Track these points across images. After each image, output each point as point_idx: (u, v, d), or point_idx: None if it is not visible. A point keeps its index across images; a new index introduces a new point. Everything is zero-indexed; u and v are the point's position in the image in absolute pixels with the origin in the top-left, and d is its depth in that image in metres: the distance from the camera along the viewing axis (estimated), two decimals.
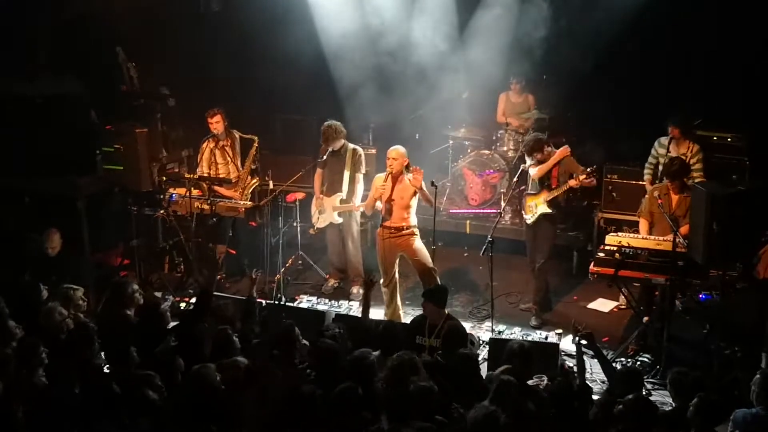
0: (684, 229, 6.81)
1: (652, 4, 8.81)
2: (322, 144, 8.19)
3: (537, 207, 7.69)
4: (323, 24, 9.43)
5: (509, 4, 9.27)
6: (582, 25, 8.85)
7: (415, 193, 7.33)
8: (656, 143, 8.10)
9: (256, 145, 8.58)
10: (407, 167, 7.34)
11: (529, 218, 7.80)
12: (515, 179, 7.72)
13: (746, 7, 8.82)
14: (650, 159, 8.18)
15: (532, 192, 7.81)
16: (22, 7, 8.83)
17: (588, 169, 7.46)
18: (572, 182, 7.52)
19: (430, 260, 7.46)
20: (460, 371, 5.33)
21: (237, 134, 8.63)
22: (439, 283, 7.29)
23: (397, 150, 7.33)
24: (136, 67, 9.35)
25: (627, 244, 6.92)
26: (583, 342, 5.89)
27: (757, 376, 5.04)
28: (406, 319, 7.52)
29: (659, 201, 7.02)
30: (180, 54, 10.13)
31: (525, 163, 7.95)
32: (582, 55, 8.97)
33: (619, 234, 7.45)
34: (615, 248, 6.90)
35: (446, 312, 6.46)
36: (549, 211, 7.64)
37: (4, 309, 6.13)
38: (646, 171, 8.23)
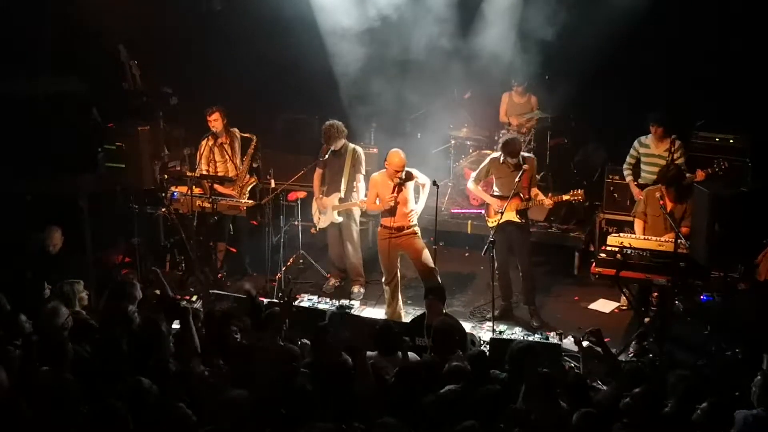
0: (682, 231, 6.78)
1: (655, 5, 8.80)
2: (324, 143, 8.18)
3: (503, 214, 7.51)
4: (325, 22, 9.42)
5: (513, 4, 9.27)
6: (585, 25, 8.84)
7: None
8: (636, 142, 8.12)
9: (254, 143, 8.58)
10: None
11: (491, 222, 7.61)
12: (517, 179, 7.62)
13: (748, 7, 8.82)
14: (629, 159, 8.21)
15: (501, 195, 7.59)
16: (24, 6, 8.84)
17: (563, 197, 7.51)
18: (547, 202, 7.51)
19: (431, 260, 7.46)
20: None
21: (237, 133, 8.63)
22: (440, 282, 7.28)
23: (400, 159, 7.28)
24: (139, 66, 9.37)
25: (629, 245, 6.90)
26: (592, 339, 5.88)
27: (758, 377, 5.03)
28: (407, 318, 7.53)
29: (661, 202, 7.00)
30: (182, 52, 10.14)
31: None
32: (584, 56, 8.96)
33: (621, 234, 7.44)
34: (617, 249, 6.88)
35: (444, 311, 6.48)
36: (516, 220, 7.55)
37: (5, 305, 6.15)
38: (626, 171, 8.25)
